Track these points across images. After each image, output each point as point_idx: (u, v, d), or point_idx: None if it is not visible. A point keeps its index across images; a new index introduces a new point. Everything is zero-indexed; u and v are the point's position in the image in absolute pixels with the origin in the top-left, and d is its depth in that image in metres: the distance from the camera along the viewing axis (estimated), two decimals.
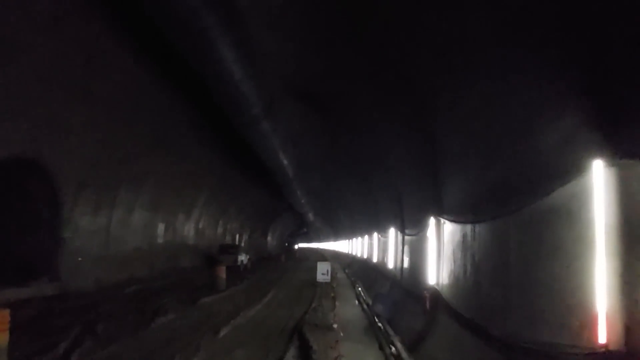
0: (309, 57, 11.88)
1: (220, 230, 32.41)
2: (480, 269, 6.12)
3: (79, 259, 15.81)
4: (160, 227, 22.50)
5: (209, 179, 25.67)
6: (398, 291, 11.58)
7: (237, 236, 37.37)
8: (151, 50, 12.32)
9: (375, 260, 18.74)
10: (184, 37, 8.05)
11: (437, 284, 8.13)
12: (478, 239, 6.26)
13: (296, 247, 72.79)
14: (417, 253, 10.21)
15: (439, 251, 8.27)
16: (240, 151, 22.11)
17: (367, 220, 21.61)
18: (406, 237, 11.77)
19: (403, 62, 7.67)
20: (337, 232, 48.89)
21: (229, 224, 34.42)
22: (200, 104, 16.19)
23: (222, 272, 18.73)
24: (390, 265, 13.78)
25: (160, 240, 22.49)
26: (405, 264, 11.67)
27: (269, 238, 51.55)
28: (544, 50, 4.03)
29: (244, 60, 9.36)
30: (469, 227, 6.68)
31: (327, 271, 10.96)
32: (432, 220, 8.65)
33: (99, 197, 16.76)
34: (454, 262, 7.35)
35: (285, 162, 18.94)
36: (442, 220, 8.15)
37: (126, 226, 19.05)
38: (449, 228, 7.78)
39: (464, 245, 6.85)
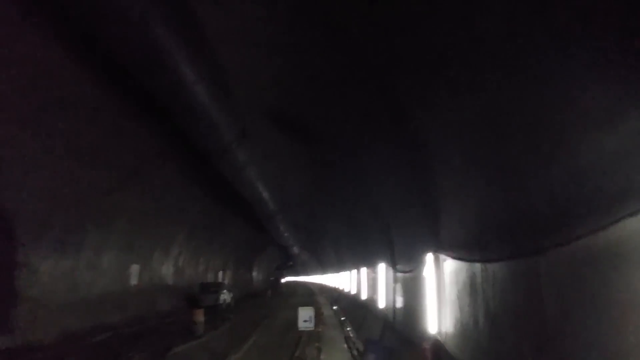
0: (287, 79, 10.82)
1: (201, 267, 30.59)
2: (500, 321, 4.85)
3: (39, 307, 14.09)
4: (135, 268, 20.78)
5: (188, 214, 24.15)
6: (391, 336, 10.20)
7: (221, 273, 35.48)
8: (113, 74, 11.16)
9: (364, 297, 17.29)
10: (137, 49, 6.90)
11: (439, 333, 6.80)
12: (493, 282, 5.02)
13: (283, 280, 70.46)
14: (413, 293, 8.90)
15: (440, 294, 6.99)
16: (221, 184, 20.81)
17: (355, 254, 20.22)
18: (399, 275, 10.47)
19: (387, 73, 6.59)
20: (324, 266, 47.18)
21: (211, 261, 32.61)
22: (175, 133, 14.97)
23: (199, 315, 17.06)
24: (381, 304, 12.39)
25: (134, 282, 20.72)
26: (399, 304, 10.32)
27: (254, 273, 49.51)
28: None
29: (208, 79, 8.23)
30: (478, 266, 5.44)
31: (310, 317, 9.56)
32: (429, 257, 7.40)
33: (64, 238, 15.18)
34: (460, 308, 6.07)
35: (265, 194, 17.69)
36: (442, 256, 6.92)
37: (95, 269, 17.37)
38: (452, 266, 6.53)
39: (473, 288, 5.60)
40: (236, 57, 10.26)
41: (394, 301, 10.72)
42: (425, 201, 7.45)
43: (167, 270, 24.57)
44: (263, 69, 10.18)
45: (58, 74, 10.82)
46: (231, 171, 14.11)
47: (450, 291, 6.53)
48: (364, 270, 17.45)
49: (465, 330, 5.86)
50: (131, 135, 15.15)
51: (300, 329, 9.81)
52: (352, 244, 20.49)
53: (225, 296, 27.94)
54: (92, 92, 12.24)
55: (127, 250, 19.70)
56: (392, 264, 11.08)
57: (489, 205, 5.27)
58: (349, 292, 25.29)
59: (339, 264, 31.42)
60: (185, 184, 20.95)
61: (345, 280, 28.11)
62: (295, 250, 44.50)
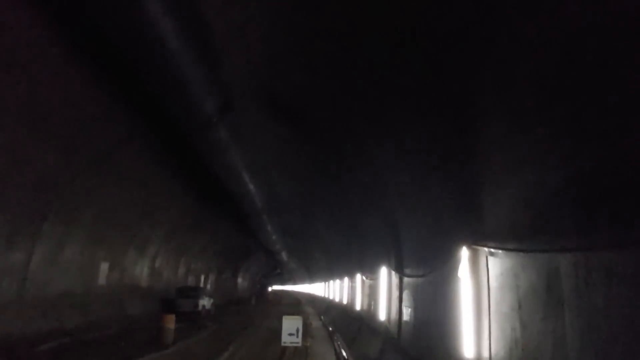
0: (286, 55, 8.84)
1: (182, 270, 28.26)
2: (612, 345, 2.83)
3: None
4: (103, 267, 18.49)
5: (168, 211, 21.92)
6: (396, 356, 8.14)
7: (203, 277, 33.13)
8: (78, 30, 9.07)
9: (358, 307, 15.16)
10: None
11: (479, 358, 4.75)
12: (596, 283, 3.03)
13: (270, 289, 67.91)
14: (430, 303, 6.85)
15: (479, 302, 4.95)
16: (205, 179, 18.70)
17: (349, 260, 18.10)
18: (407, 280, 8.43)
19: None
20: (313, 274, 44.94)
21: (192, 264, 30.27)
22: (154, 112, 12.91)
23: (169, 322, 14.77)
24: (382, 316, 10.29)
25: (101, 282, 18.42)
26: (406, 317, 8.26)
27: (239, 279, 47.06)
28: None
29: (190, 37, 6.39)
30: (563, 260, 3.44)
31: (297, 329, 7.45)
32: (462, 252, 5.36)
33: (14, 227, 12.93)
34: (522, 324, 4.04)
35: (251, 187, 15.59)
36: (487, 250, 4.89)
37: (53, 265, 15.08)
38: (502, 264, 4.52)
39: (552, 294, 3.58)
40: (228, 18, 8.31)
41: (400, 312, 8.67)
42: (455, 172, 5.44)
43: (141, 271, 22.25)
44: (259, 38, 8.23)
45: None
46: (213, 151, 12.03)
47: (501, 299, 4.49)
48: (358, 277, 15.36)
49: (534, 357, 3.82)
50: (101, 115, 13.04)
51: (283, 344, 7.70)
52: (345, 247, 18.40)
53: (205, 302, 25.57)
54: (52, 50, 10.13)
55: (94, 246, 17.43)
56: (399, 266, 9.03)
57: (586, 158, 3.28)
58: (340, 301, 23.14)
59: (329, 272, 29.27)
60: (165, 176, 18.76)
61: (335, 290, 25.98)
62: (284, 257, 42.25)
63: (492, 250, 4.72)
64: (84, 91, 11.45)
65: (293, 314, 24.56)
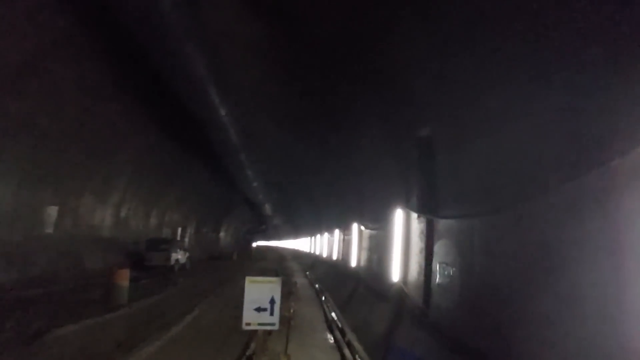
0: None
1: (154, 221, 25.17)
2: None
3: None
4: (51, 211, 15.28)
5: (130, 146, 18.48)
6: (421, 336, 5.25)
7: (180, 230, 30.16)
8: None
9: (353, 264, 12.29)
10: None
11: None
12: None
13: (254, 245, 65.65)
14: (498, 257, 3.87)
15: None
16: (169, 106, 15.33)
17: (341, 208, 15.03)
18: (444, 224, 5.44)
19: None
20: (298, 229, 42.33)
21: (167, 215, 27.19)
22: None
23: (122, 278, 11.75)
24: (393, 276, 7.34)
25: (48, 230, 15.26)
26: (441, 279, 5.32)
27: (221, 234, 44.31)
28: None
29: None
30: None
31: (273, 301, 4.37)
32: None
33: None
34: None
35: (223, 113, 12.35)
36: None
37: None
38: None
39: None
40: None
41: (427, 272, 5.74)
42: None
43: (102, 219, 19.08)
44: None
45: None
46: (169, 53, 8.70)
47: None
48: (355, 227, 12.40)
49: None
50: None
51: (246, 327, 4.60)
52: (337, 192, 15.35)
53: (179, 256, 22.70)
54: None
55: (36, 186, 14.15)
56: (428, 206, 6.00)
57: None
58: (329, 257, 20.41)
59: (317, 225, 26.44)
60: (123, 101, 15.25)
61: (323, 244, 23.23)
62: (268, 211, 39.47)
63: None
64: None
65: (275, 271, 21.57)
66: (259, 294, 4.41)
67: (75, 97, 13.45)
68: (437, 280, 5.40)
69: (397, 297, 6.95)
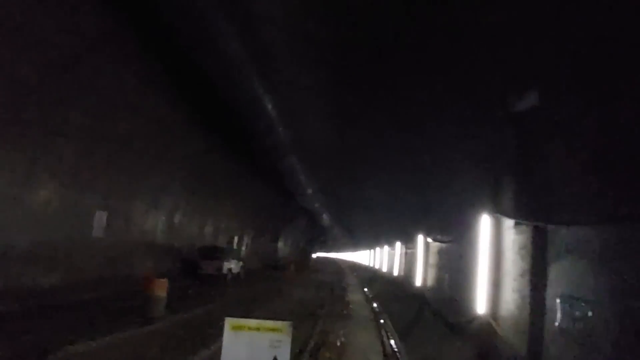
0: None
1: (209, 228, 24.42)
2: None
3: None
4: (99, 215, 14.64)
5: (185, 153, 17.74)
6: None
7: (236, 239, 29.34)
8: None
9: (418, 282, 10.24)
10: None
11: None
12: None
13: (314, 256, 64.37)
14: None
15: None
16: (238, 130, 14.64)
17: (409, 214, 12.94)
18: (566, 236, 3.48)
19: None
20: (357, 241, 40.32)
21: (223, 222, 26.43)
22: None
23: (159, 288, 10.60)
24: (478, 303, 5.35)
25: (97, 234, 14.61)
26: (565, 320, 3.36)
27: (280, 244, 43.32)
28: None
29: None
30: None
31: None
32: None
33: None
34: None
35: (269, 106, 10.99)
36: None
37: (22, 207, 11.28)
38: None
39: None
40: None
41: (536, 307, 3.77)
42: None
43: (154, 226, 18.40)
44: None
45: None
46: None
47: None
48: (420, 240, 10.36)
49: None
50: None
51: None
52: (400, 204, 13.35)
53: (232, 265, 21.64)
54: None
55: (85, 190, 13.54)
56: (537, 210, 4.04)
57: None
58: (390, 272, 18.34)
59: (376, 238, 24.38)
60: (177, 108, 14.45)
61: (383, 258, 21.19)
62: (326, 221, 37.97)
63: None
64: None
65: (331, 284, 19.63)
66: (250, 351, 2.64)
67: (128, 102, 12.76)
68: (558, 321, 3.41)
69: (481, 336, 4.95)
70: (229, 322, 2.74)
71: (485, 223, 5.26)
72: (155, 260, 17.96)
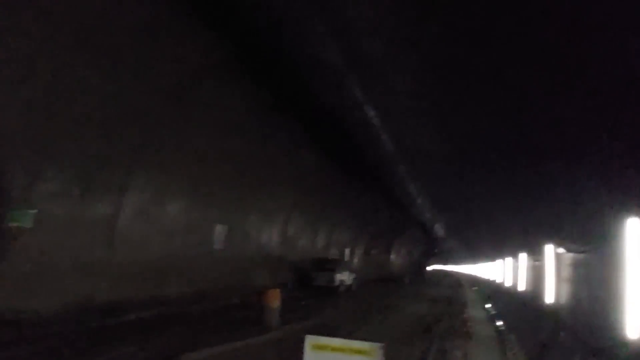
0: None
1: (321, 241, 24.79)
2: None
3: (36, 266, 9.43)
4: (219, 229, 15.67)
5: (297, 168, 18.29)
6: None
7: (348, 251, 29.37)
8: None
9: (549, 299, 8.98)
10: None
11: None
12: None
13: (428, 269, 61.93)
14: None
15: None
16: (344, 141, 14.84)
17: (535, 221, 11.50)
18: None
19: None
20: (475, 253, 37.61)
21: (334, 235, 26.65)
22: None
23: (274, 299, 10.88)
24: None
25: (218, 247, 15.64)
26: None
27: (392, 256, 42.44)
28: None
29: None
30: None
31: None
32: None
33: (90, 173, 10.39)
34: None
35: (382, 133, 10.78)
36: None
37: (151, 222, 12.52)
38: None
39: None
40: None
41: None
42: None
43: (269, 238, 19.18)
44: None
45: None
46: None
47: None
48: (549, 252, 9.08)
49: None
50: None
51: None
52: (525, 208, 11.95)
53: (345, 277, 21.61)
54: None
55: (203, 204, 14.60)
56: None
57: None
58: (514, 287, 16.60)
59: (497, 248, 22.36)
60: (287, 123, 14.98)
61: (507, 271, 19.31)
62: (440, 232, 36.20)
63: None
64: None
65: (449, 298, 18.43)
66: None
67: (238, 123, 13.60)
68: None
69: None
70: (309, 340, 2.48)
71: (633, 227, 4.29)
72: (270, 272, 18.66)
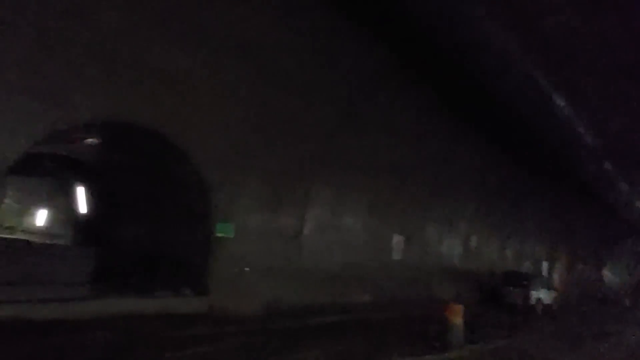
0: None
1: (510, 252, 22.40)
2: None
3: (245, 269, 10.86)
4: (397, 240, 15.56)
5: (479, 174, 17.08)
6: None
7: (546, 265, 25.87)
8: None
9: None
10: None
11: None
12: None
13: None
14: None
15: None
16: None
17: None
18: None
19: None
20: None
21: (527, 245, 23.79)
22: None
23: (455, 314, 10.11)
24: None
25: (396, 257, 15.52)
26: None
27: (605, 271, 35.68)
28: None
29: None
30: None
31: None
32: None
33: (277, 187, 11.54)
34: None
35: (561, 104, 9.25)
36: None
37: (333, 232, 13.16)
38: None
39: None
40: None
41: None
42: None
43: (449, 249, 18.21)
44: None
45: None
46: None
47: None
48: None
49: None
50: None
51: None
52: None
53: (542, 294, 18.99)
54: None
55: (383, 216, 14.72)
56: None
57: None
58: None
59: None
60: (460, 133, 14.21)
61: None
62: None
63: None
64: None
65: None
66: None
67: (412, 133, 13.49)
68: None
69: None
70: None
71: None
72: (451, 284, 17.65)
